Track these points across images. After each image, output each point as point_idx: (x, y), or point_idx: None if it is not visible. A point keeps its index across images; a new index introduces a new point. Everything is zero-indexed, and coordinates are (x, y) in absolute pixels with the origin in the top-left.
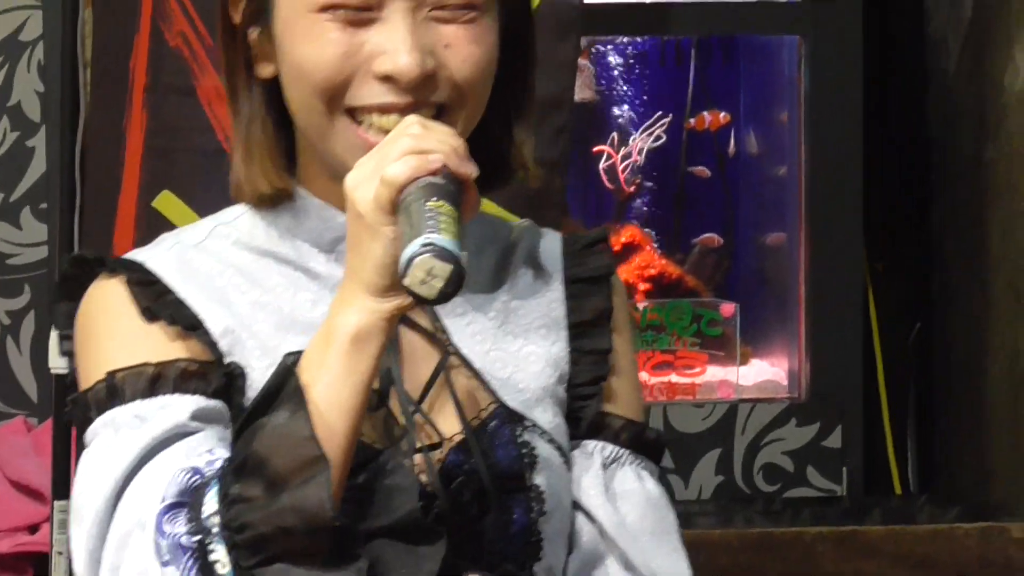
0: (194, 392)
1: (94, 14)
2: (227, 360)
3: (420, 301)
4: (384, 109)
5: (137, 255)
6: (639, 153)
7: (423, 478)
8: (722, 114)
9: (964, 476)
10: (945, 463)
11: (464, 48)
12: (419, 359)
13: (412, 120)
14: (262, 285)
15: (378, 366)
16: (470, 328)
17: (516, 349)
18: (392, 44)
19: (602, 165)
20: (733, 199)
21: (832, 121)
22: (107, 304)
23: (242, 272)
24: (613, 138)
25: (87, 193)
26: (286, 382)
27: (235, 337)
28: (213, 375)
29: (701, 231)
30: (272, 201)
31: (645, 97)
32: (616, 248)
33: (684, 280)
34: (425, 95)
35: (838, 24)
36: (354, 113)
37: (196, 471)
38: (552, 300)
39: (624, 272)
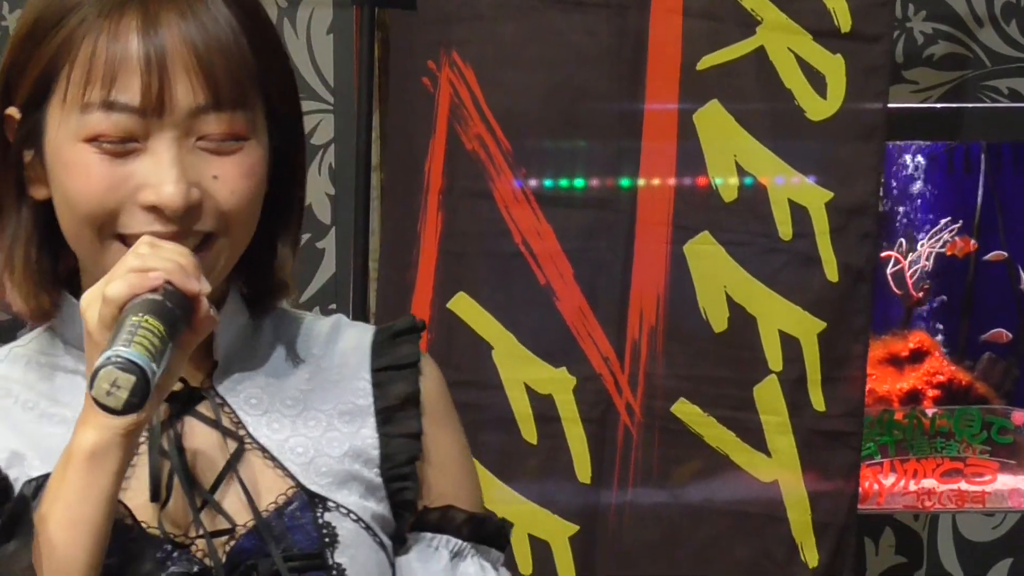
0: None
1: (387, 118)
2: (7, 475)
3: (109, 412)
4: None
5: None
6: (927, 259)
7: (209, 564)
8: (972, 241)
9: None
10: None
11: (232, 181)
12: (214, 452)
13: (143, 240)
14: (51, 397)
15: (119, 481)
16: (266, 418)
17: (318, 435)
18: (157, 176)
19: (890, 270)
20: (1023, 302)
21: None
22: None
23: (32, 388)
24: (901, 243)
25: (380, 295)
26: (21, 511)
27: (14, 453)
28: None
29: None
30: (38, 317)
31: (934, 202)
32: (904, 354)
33: (974, 387)
34: (191, 224)
35: None
36: (124, 239)
37: None
38: (357, 389)
39: (913, 378)
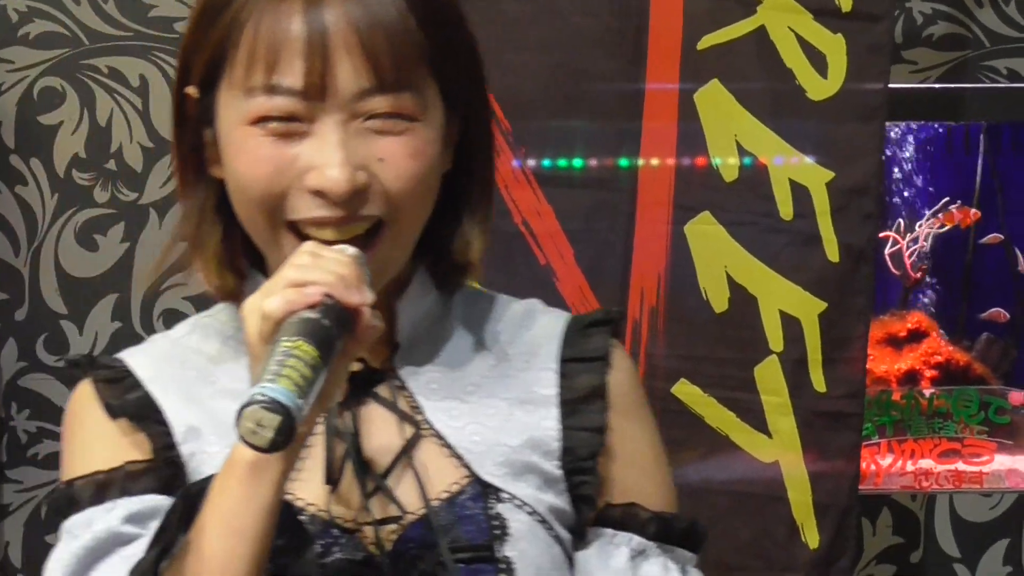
0: (143, 491)
1: None
2: (183, 450)
3: (254, 449)
4: (318, 223)
5: (122, 352)
6: (925, 239)
7: (375, 552)
8: (972, 211)
9: None
10: None
11: (399, 163)
12: (390, 436)
13: (304, 248)
14: (232, 373)
15: (280, 492)
16: (445, 403)
17: (496, 424)
18: (322, 158)
19: (888, 251)
20: (1021, 283)
21: None
22: (77, 408)
23: (215, 361)
24: (899, 224)
25: None
26: (182, 513)
27: (191, 428)
28: (163, 471)
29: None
30: (225, 296)
31: (932, 183)
32: (902, 334)
33: (972, 367)
34: (357, 208)
35: None
36: (296, 227)
37: None
38: (542, 378)
39: (910, 359)
